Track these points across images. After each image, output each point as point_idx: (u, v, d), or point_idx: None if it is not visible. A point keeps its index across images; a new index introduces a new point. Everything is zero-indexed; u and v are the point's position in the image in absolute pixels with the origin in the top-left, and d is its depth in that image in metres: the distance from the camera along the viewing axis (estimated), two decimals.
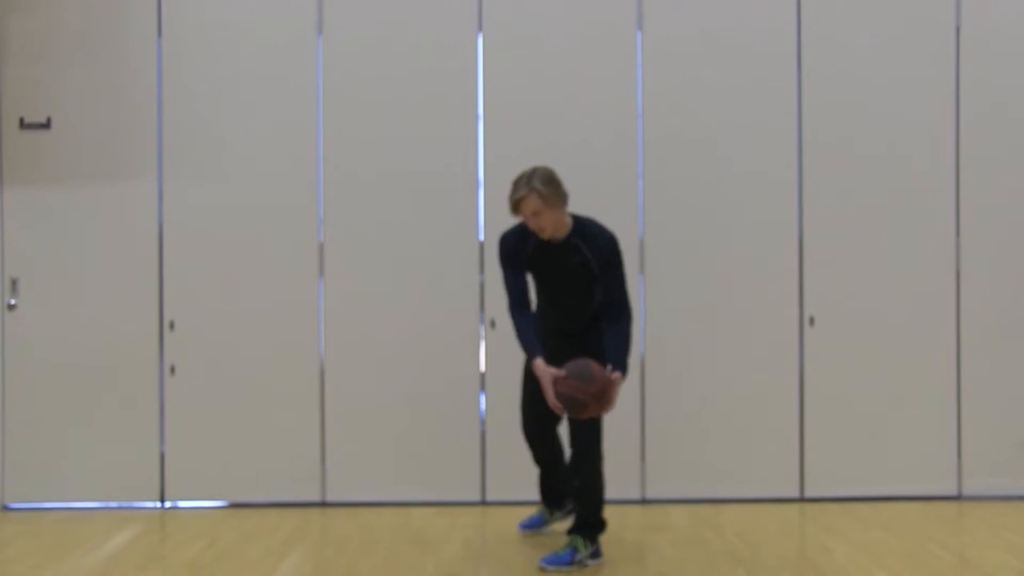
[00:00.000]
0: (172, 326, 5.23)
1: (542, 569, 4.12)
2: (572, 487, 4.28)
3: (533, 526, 4.70)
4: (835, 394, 5.25)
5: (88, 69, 5.25)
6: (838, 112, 5.27)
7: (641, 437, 5.24)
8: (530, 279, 4.29)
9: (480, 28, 5.27)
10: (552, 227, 4.10)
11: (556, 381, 3.98)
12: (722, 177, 5.27)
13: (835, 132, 5.27)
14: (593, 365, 3.98)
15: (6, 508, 5.25)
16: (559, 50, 5.27)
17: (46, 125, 5.23)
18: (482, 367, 5.21)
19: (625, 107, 5.26)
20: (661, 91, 5.26)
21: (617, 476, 5.15)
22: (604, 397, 3.96)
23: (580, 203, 5.17)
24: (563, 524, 4.64)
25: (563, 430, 4.43)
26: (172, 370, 5.23)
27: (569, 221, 4.18)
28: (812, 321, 5.24)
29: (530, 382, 4.36)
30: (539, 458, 4.59)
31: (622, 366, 4.06)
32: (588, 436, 4.19)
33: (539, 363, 4.06)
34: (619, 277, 4.17)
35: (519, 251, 4.20)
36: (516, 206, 4.05)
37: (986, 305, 5.27)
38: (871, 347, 5.25)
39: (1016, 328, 5.28)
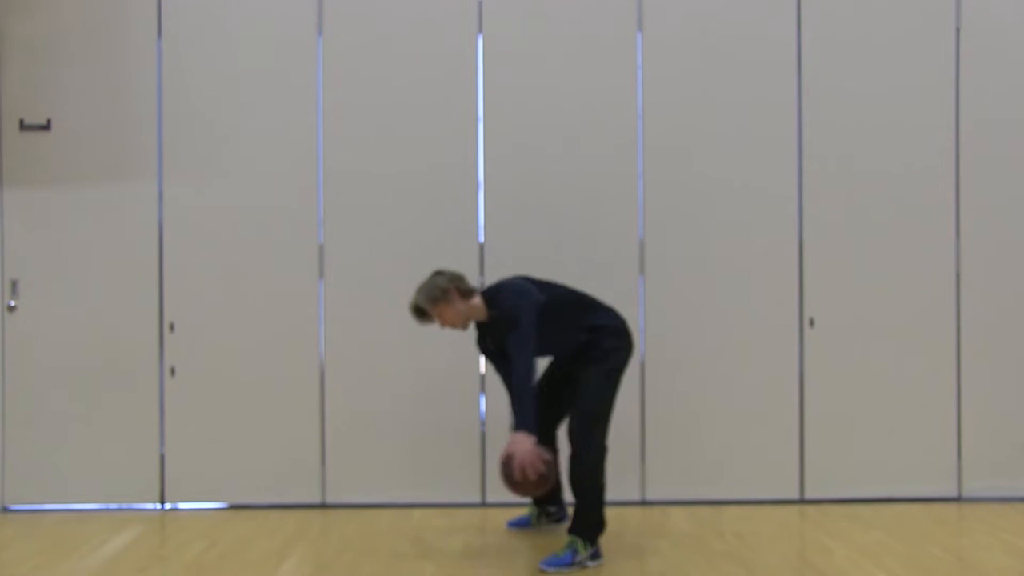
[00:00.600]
0: (172, 327, 5.22)
1: (542, 571, 4.12)
2: (573, 484, 4.26)
3: (520, 524, 4.81)
4: (835, 395, 5.25)
5: (88, 70, 5.25)
6: (838, 112, 5.26)
7: (641, 438, 5.24)
8: None
9: (480, 28, 5.26)
10: (460, 320, 4.33)
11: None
12: (722, 177, 5.26)
13: (835, 132, 5.26)
14: (502, 464, 4.12)
15: (6, 509, 5.25)
16: (559, 50, 5.26)
17: (46, 127, 5.22)
18: (482, 368, 5.21)
19: (625, 107, 5.26)
20: (661, 91, 5.26)
21: (617, 477, 5.15)
22: (514, 475, 4.08)
23: (580, 204, 5.21)
24: (554, 526, 4.74)
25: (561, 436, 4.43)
26: (172, 371, 5.22)
27: (479, 302, 4.36)
28: (812, 322, 5.24)
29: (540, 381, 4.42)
30: None
31: (521, 425, 4.05)
32: (587, 434, 4.21)
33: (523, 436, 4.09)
34: (515, 336, 4.13)
35: (481, 343, 4.54)
36: (418, 318, 4.37)
37: (986, 306, 5.27)
38: (871, 348, 5.25)
39: (1016, 329, 5.28)
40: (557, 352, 4.42)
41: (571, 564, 4.16)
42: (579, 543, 4.21)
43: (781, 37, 5.28)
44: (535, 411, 4.07)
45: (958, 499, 5.26)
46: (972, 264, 5.28)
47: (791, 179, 5.27)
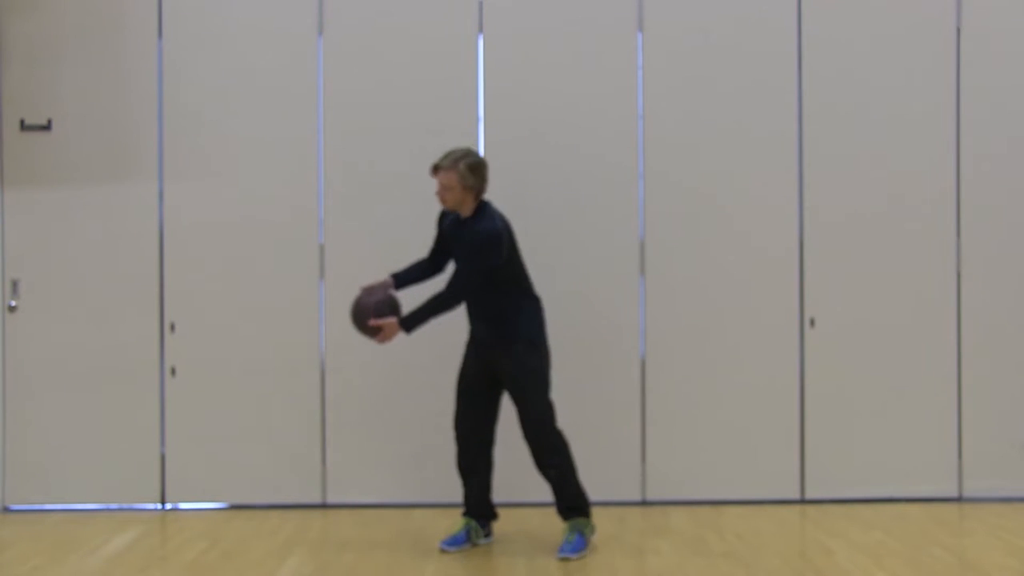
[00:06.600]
0: (173, 328, 5.22)
1: (565, 559, 4.24)
2: (548, 478, 4.37)
3: (457, 543, 4.47)
4: (835, 395, 5.24)
5: (88, 70, 5.24)
6: (838, 112, 5.26)
7: (641, 438, 5.24)
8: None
9: (480, 28, 5.26)
10: (452, 199, 4.39)
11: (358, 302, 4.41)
12: (722, 177, 5.26)
13: (835, 132, 5.26)
14: (365, 306, 4.38)
15: (7, 509, 5.25)
16: (559, 50, 5.26)
17: (47, 127, 5.22)
18: None
19: (625, 107, 5.26)
20: (661, 91, 5.26)
21: (617, 478, 5.17)
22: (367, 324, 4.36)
23: (580, 204, 5.22)
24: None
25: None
26: (173, 372, 5.22)
27: (471, 204, 4.43)
28: (813, 322, 5.24)
29: (464, 383, 4.56)
30: (466, 463, 4.54)
31: (410, 324, 4.38)
32: (540, 427, 4.35)
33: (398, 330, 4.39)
34: (470, 261, 4.36)
35: (442, 221, 4.61)
36: (432, 171, 4.42)
37: (986, 306, 5.27)
38: (871, 348, 5.24)
39: (1016, 329, 5.28)
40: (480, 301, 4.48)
41: (586, 544, 4.31)
42: (582, 522, 4.33)
43: (781, 38, 5.27)
44: (421, 323, 4.39)
45: (958, 499, 5.26)
46: (972, 263, 5.27)
47: (792, 179, 5.26)
